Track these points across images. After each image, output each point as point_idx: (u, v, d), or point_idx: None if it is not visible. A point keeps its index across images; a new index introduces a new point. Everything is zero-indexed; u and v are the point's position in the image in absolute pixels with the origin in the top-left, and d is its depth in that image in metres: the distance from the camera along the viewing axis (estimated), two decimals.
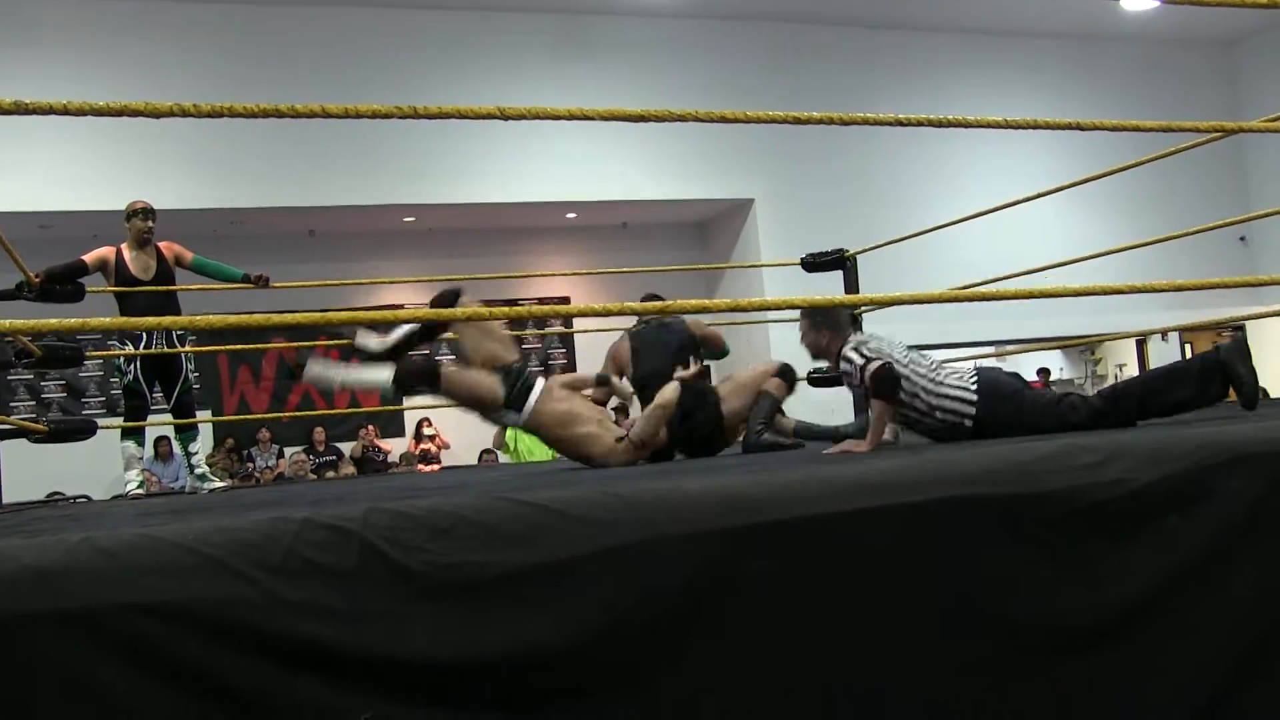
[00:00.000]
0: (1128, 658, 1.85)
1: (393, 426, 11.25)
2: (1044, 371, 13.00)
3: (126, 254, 5.32)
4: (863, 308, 5.66)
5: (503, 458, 8.84)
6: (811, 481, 1.80)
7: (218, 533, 1.51)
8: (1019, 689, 1.80)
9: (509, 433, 7.87)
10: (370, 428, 11.04)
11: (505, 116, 2.16)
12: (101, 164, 9.21)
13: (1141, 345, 12.93)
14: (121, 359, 5.38)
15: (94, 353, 6.38)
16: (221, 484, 5.79)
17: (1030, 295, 2.97)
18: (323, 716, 1.45)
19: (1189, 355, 13.11)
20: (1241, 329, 13.08)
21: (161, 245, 5.41)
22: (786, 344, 10.17)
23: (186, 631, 1.41)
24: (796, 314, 7.28)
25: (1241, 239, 12.40)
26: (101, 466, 8.11)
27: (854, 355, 3.46)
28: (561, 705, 1.56)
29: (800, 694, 1.68)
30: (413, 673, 1.49)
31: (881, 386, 3.35)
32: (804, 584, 1.70)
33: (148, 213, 5.38)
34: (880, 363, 3.38)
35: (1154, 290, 2.79)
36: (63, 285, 5.16)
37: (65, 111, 1.88)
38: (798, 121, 2.75)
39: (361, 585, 1.50)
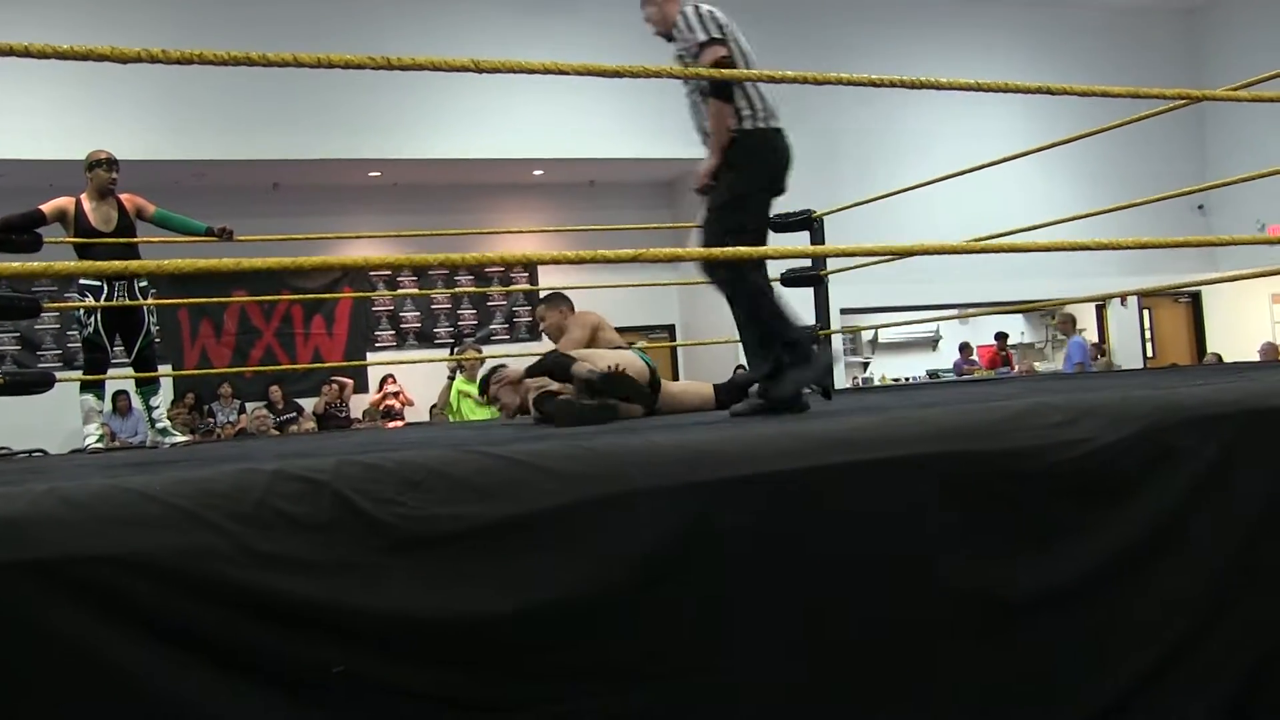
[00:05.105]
0: (1089, 613, 1.90)
1: (356, 383, 11.18)
2: (1001, 336, 13.08)
3: (86, 205, 5.20)
4: (827, 267, 5.68)
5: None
6: (782, 437, 1.81)
7: (187, 484, 1.50)
8: (979, 646, 1.83)
9: (453, 394, 7.81)
10: (334, 384, 10.94)
11: (479, 69, 2.14)
12: (60, 112, 8.99)
13: (1101, 310, 13.10)
14: (81, 311, 5.28)
15: (52, 304, 6.25)
16: (183, 438, 5.72)
17: (991, 250, 3.08)
18: (295, 668, 1.45)
19: (1148, 321, 13.35)
20: (1197, 295, 13.35)
21: (123, 197, 5.29)
22: None
23: (156, 582, 1.40)
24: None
25: (1199, 207, 12.55)
26: (55, 421, 7.99)
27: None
28: (532, 655, 1.57)
29: (769, 645, 1.70)
30: (385, 625, 1.49)
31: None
32: (774, 538, 1.72)
33: (111, 163, 5.25)
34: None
35: (1112, 247, 2.84)
36: (19, 235, 5.04)
37: (26, 53, 1.83)
38: (769, 79, 2.74)
39: (333, 537, 1.50)
